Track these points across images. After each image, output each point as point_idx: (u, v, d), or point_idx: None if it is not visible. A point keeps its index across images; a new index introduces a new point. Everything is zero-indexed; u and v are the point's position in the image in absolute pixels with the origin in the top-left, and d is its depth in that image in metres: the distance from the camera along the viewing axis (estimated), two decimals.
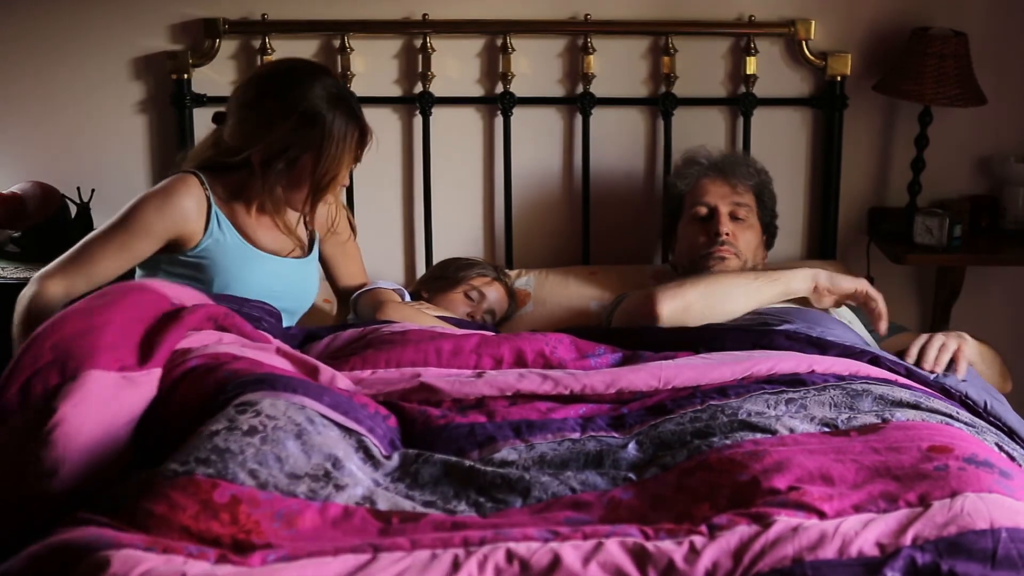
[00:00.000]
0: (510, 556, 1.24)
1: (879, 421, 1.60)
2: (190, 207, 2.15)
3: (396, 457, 1.56)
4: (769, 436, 1.55)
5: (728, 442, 1.53)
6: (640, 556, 1.25)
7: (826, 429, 1.60)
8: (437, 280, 2.57)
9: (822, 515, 1.32)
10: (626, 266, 2.84)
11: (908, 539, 1.27)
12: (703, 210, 2.46)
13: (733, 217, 2.44)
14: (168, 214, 2.13)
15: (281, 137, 2.11)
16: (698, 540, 1.28)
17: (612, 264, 2.87)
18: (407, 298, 2.46)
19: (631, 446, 1.60)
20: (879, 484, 1.39)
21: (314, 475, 1.42)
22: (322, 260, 2.45)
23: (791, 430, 1.58)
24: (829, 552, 1.25)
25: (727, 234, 2.40)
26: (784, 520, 1.29)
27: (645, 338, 2.05)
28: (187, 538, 1.26)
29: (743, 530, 1.28)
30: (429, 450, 1.61)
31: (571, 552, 1.25)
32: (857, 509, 1.34)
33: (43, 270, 2.09)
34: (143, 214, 2.12)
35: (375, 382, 1.83)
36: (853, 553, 1.25)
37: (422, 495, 1.47)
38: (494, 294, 2.55)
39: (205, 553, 1.23)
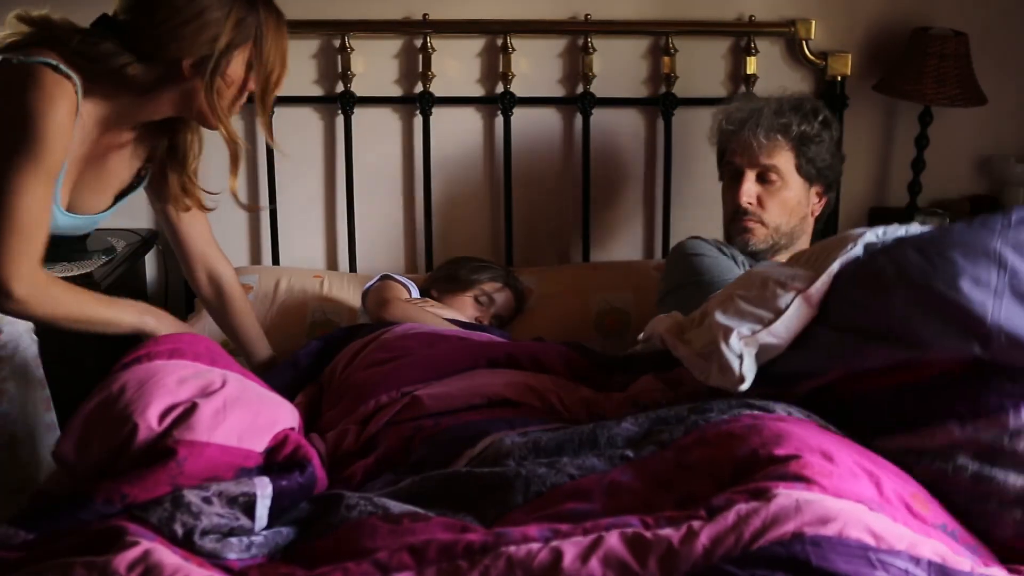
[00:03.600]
0: (511, 564, 1.23)
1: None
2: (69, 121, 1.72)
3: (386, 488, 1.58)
4: (767, 413, 1.53)
5: (726, 416, 1.51)
6: (639, 545, 1.24)
7: (821, 421, 1.57)
8: (447, 280, 2.56)
9: (824, 488, 1.30)
10: (627, 263, 2.84)
11: (904, 544, 1.25)
12: (730, 172, 2.38)
13: (763, 179, 2.33)
14: (69, 124, 1.71)
15: (213, 35, 1.75)
16: (696, 524, 1.26)
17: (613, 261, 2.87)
18: (415, 292, 2.46)
19: (626, 423, 1.58)
20: (872, 480, 1.38)
21: None
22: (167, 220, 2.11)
23: (788, 412, 1.56)
24: (830, 530, 1.22)
25: (749, 203, 2.32)
26: (785, 493, 1.27)
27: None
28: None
29: (741, 507, 1.26)
30: (427, 455, 1.62)
31: (571, 549, 1.24)
32: (858, 499, 1.32)
33: (12, 271, 1.70)
34: (54, 140, 1.68)
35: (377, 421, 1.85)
36: (852, 536, 1.23)
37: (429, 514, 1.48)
38: (503, 300, 2.55)
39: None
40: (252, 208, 2.47)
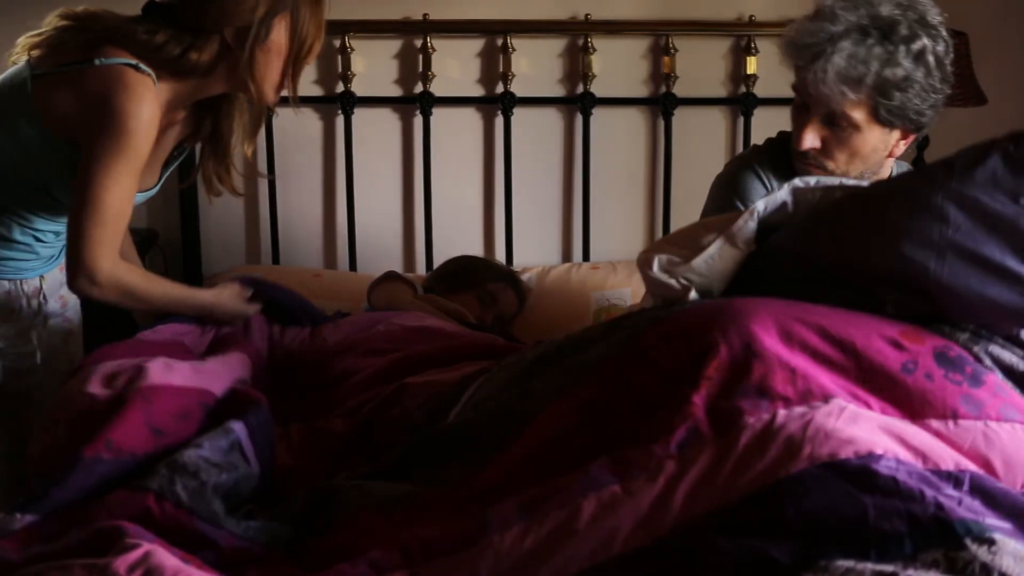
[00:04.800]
0: (497, 557, 1.22)
1: None
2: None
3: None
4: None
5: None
6: (617, 508, 1.22)
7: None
8: (450, 279, 2.55)
9: (787, 401, 1.24)
10: (628, 262, 2.83)
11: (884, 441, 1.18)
12: (797, 101, 1.95)
13: (830, 122, 1.89)
14: (155, 120, 1.82)
15: (252, 4, 1.83)
16: (670, 466, 1.22)
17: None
18: (419, 291, 2.46)
19: (591, 331, 1.55)
20: (850, 362, 1.28)
21: None
22: None
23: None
24: (801, 463, 1.16)
25: (812, 147, 1.91)
26: (750, 426, 1.22)
27: None
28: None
29: (711, 451, 1.22)
30: (407, 441, 1.64)
31: (552, 529, 1.23)
32: (824, 397, 1.23)
33: (87, 260, 1.80)
34: (140, 138, 1.79)
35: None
36: (823, 455, 1.16)
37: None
38: (506, 300, 2.54)
39: None
40: (255, 175, 2.50)
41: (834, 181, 1.62)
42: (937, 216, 1.34)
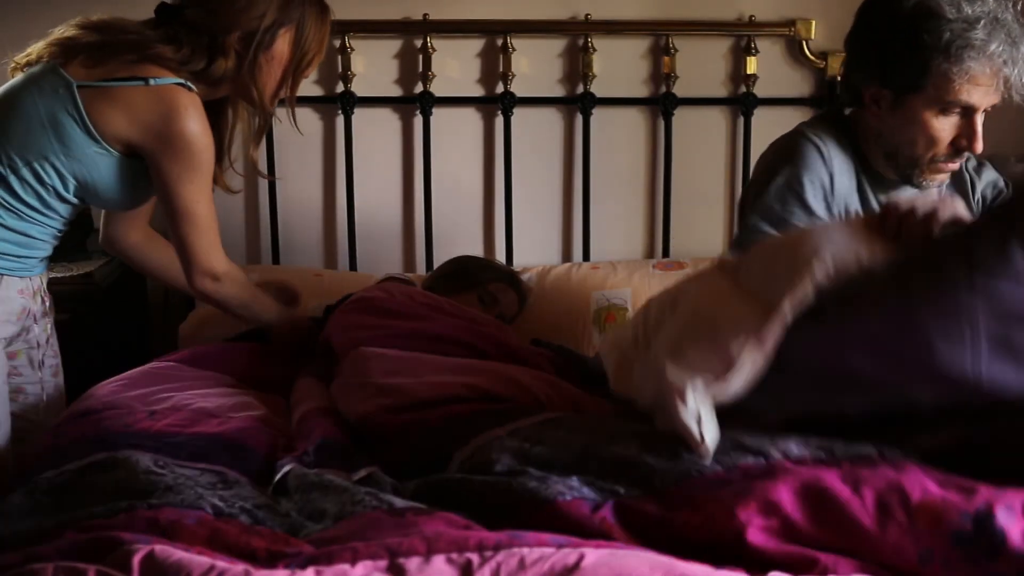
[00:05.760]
0: (522, 563, 1.20)
1: (873, 452, 1.39)
2: None
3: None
4: (761, 460, 1.39)
5: (719, 469, 1.40)
6: None
7: (821, 455, 1.40)
8: (451, 279, 2.54)
9: None
10: (628, 262, 2.83)
11: None
12: (958, 108, 1.88)
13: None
14: (209, 130, 1.96)
15: (260, 12, 1.95)
16: None
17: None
18: None
19: (617, 446, 1.50)
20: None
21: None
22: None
23: (785, 453, 1.41)
24: None
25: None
26: None
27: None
28: (224, 552, 1.30)
29: None
30: (420, 453, 1.63)
31: (593, 554, 1.20)
32: None
33: (205, 264, 2.00)
34: (208, 151, 1.94)
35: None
36: None
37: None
38: (507, 300, 2.53)
39: (233, 563, 1.25)
40: (265, 176, 2.65)
41: (854, 266, 1.49)
42: (966, 317, 1.33)
